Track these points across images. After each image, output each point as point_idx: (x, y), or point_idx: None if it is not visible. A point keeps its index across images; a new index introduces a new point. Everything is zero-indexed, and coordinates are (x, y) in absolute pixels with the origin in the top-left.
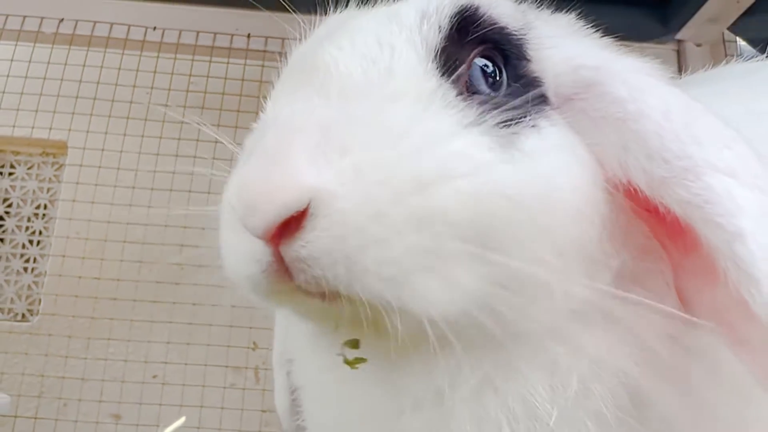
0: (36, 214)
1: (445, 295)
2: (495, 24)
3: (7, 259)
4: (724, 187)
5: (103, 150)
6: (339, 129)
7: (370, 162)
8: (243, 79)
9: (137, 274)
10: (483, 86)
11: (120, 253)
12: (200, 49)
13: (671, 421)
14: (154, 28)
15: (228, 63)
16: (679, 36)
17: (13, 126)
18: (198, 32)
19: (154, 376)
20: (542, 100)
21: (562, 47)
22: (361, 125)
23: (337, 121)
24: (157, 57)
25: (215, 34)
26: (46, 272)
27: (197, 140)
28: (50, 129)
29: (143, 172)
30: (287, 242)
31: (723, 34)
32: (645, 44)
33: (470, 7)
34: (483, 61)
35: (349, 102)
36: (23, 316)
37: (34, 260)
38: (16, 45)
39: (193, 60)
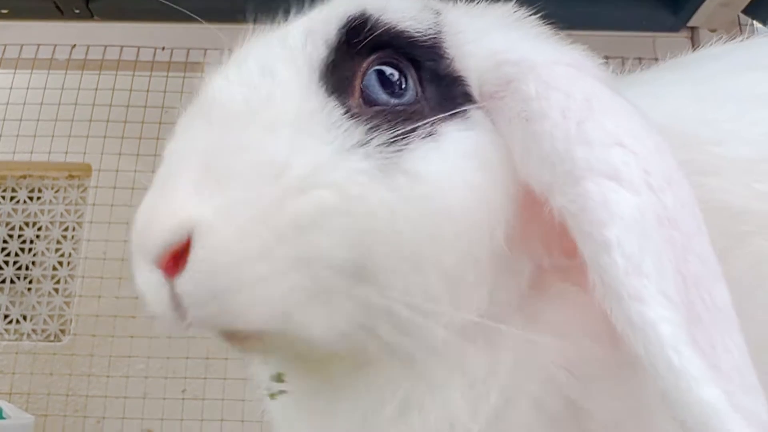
0: (65, 237)
1: (325, 322)
2: (391, 28)
3: (39, 281)
4: (601, 192)
5: (117, 171)
6: (219, 159)
7: (245, 198)
8: None
9: None
10: (382, 96)
11: None
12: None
13: (614, 427)
14: (163, 48)
15: None
16: (691, 23)
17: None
18: (206, 50)
19: (183, 391)
20: (467, 98)
21: (486, 42)
22: (240, 157)
23: (218, 151)
24: (167, 76)
25: (222, 50)
26: (76, 293)
27: None
28: (66, 153)
29: None
30: (177, 277)
31: (738, 17)
32: (658, 34)
33: (358, 16)
34: (384, 68)
35: (230, 131)
36: (56, 336)
37: (65, 281)
38: (31, 73)
39: (202, 77)
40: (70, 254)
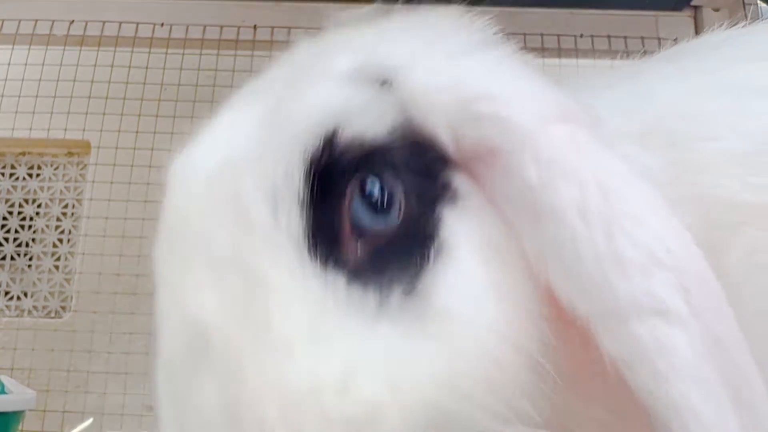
0: (64, 214)
1: None
2: (356, 152)
3: (39, 258)
4: (654, 338)
5: (116, 148)
6: (246, 412)
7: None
8: (251, 71)
9: None
10: (372, 223)
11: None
12: (208, 42)
13: None
14: (162, 25)
15: (235, 55)
16: (695, 2)
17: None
18: (205, 26)
19: None
20: (443, 164)
21: (448, 82)
22: (266, 401)
23: (242, 404)
24: (166, 53)
25: (222, 27)
26: (76, 270)
27: None
28: (65, 130)
29: (157, 168)
30: None
31: None
32: (660, 13)
33: (321, 155)
34: (363, 194)
35: (244, 378)
36: (56, 312)
37: (65, 258)
38: (29, 49)
39: (201, 54)
40: (69, 231)
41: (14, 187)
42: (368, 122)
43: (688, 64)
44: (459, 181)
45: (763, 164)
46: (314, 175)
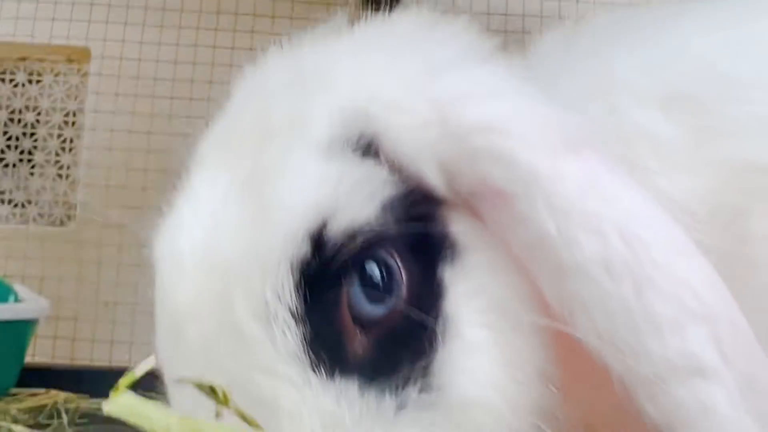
0: (66, 122)
1: None
2: (346, 245)
3: (42, 167)
4: (697, 399)
5: (120, 59)
6: None
7: None
8: None
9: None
10: (369, 309)
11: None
12: None
13: None
14: None
15: None
16: None
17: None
18: None
19: None
20: (435, 203)
21: (440, 117)
22: None
23: None
24: None
25: None
26: (81, 180)
27: (214, 47)
28: (67, 37)
29: (162, 80)
30: None
31: None
32: None
33: (311, 258)
34: (360, 284)
35: None
36: (61, 221)
37: (68, 167)
38: None
39: None
40: (72, 140)
41: (14, 93)
42: (358, 206)
43: (726, 10)
44: (457, 226)
45: None
46: (305, 283)
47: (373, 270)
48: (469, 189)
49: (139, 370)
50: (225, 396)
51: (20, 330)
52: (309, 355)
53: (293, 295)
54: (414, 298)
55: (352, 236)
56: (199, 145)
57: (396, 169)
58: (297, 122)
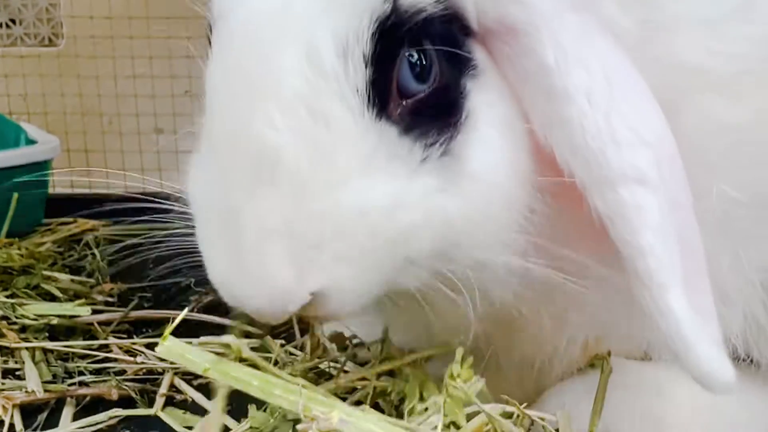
0: None
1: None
2: (414, 18)
3: None
4: (634, 201)
5: None
6: (306, 227)
7: (344, 247)
8: None
9: None
10: (412, 84)
11: None
12: None
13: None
14: None
15: None
16: None
17: None
18: None
19: (186, 92)
20: (466, 33)
21: None
22: (324, 218)
23: (302, 219)
24: None
25: None
26: None
27: None
28: None
29: None
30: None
31: None
32: None
33: (388, 16)
34: (411, 58)
35: (305, 196)
36: (50, 40)
37: None
38: None
39: None
40: None
41: None
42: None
43: None
44: (480, 55)
45: (726, 31)
46: (379, 35)
47: (421, 55)
48: (491, 26)
49: (178, 319)
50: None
51: (42, 169)
52: (369, 93)
53: (368, 42)
54: (444, 90)
55: (418, 11)
56: None
57: None
58: None
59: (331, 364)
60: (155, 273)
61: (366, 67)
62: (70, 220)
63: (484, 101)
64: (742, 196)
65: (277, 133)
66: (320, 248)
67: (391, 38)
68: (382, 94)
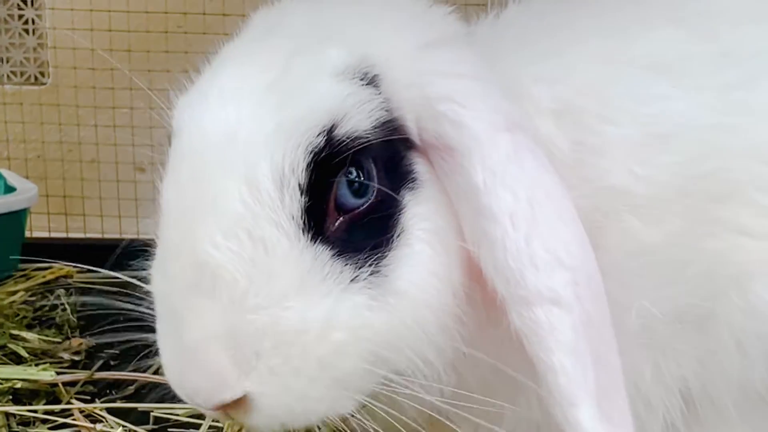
0: None
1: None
2: (351, 144)
3: (6, 22)
4: (549, 321)
5: None
6: (247, 336)
7: (280, 362)
8: None
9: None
10: (350, 200)
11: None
12: None
13: None
14: None
15: None
16: None
17: None
18: None
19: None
20: (407, 146)
21: (417, 79)
22: (264, 333)
23: (243, 329)
24: None
25: None
26: (46, 33)
27: None
28: None
29: None
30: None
31: None
32: None
33: (324, 146)
34: (349, 176)
35: (245, 310)
36: (36, 78)
37: (33, 21)
38: None
39: None
40: None
41: None
42: (359, 119)
43: (607, 18)
44: (420, 167)
45: (647, 154)
46: (313, 166)
47: (360, 173)
48: (430, 142)
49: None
50: None
51: (19, 218)
52: (304, 219)
53: (303, 173)
54: (381, 204)
55: (353, 139)
56: (225, 46)
57: (387, 109)
58: (319, 52)
59: None
60: (125, 325)
61: (301, 195)
62: (45, 265)
63: (421, 214)
64: (659, 311)
65: (218, 251)
66: (259, 358)
67: (325, 168)
68: (318, 217)
